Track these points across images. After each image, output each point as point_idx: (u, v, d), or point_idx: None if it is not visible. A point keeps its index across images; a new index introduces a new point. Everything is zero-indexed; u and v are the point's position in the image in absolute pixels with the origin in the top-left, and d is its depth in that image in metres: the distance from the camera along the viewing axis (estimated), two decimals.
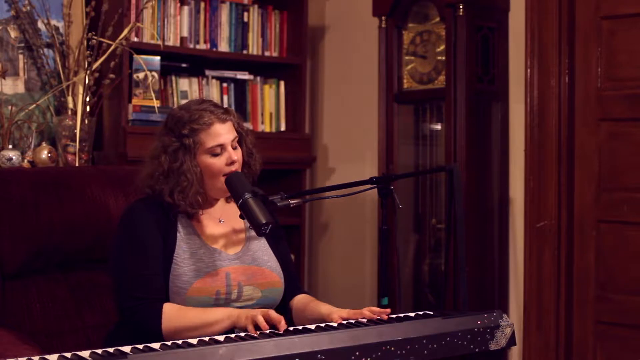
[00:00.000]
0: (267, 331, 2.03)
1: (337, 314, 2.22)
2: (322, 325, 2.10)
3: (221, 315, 2.18)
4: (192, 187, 2.30)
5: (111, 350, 1.81)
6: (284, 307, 2.44)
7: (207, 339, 1.94)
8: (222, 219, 2.42)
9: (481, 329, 2.10)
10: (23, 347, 2.28)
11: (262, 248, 2.43)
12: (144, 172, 2.38)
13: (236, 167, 2.34)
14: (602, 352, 3.48)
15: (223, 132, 2.33)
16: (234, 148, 2.36)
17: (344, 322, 2.14)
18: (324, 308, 2.30)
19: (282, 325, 2.05)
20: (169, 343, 1.88)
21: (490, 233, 3.64)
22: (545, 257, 3.54)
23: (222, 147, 2.33)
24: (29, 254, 2.61)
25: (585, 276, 3.52)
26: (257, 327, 2.07)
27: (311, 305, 2.37)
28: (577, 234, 3.54)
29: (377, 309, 2.19)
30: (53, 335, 2.60)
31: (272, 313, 2.08)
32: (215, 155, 2.32)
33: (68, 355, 1.79)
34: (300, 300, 2.45)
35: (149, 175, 2.35)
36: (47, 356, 1.77)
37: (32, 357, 1.76)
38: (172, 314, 2.21)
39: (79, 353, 1.79)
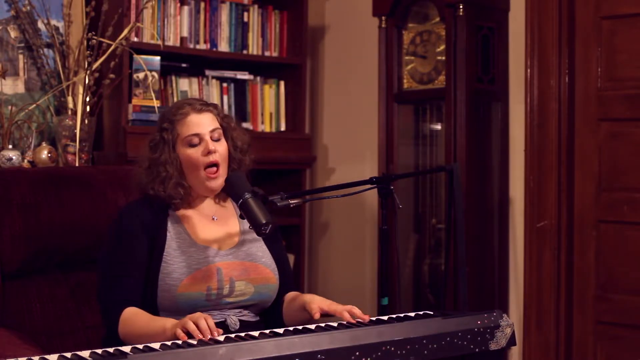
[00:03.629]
0: (207, 337, 1.94)
1: (317, 304, 2.22)
2: (322, 325, 2.09)
3: (159, 328, 2.09)
4: (172, 179, 2.33)
5: (111, 350, 1.81)
6: (278, 306, 2.44)
7: (207, 339, 1.94)
8: (215, 216, 2.42)
9: (481, 329, 2.10)
10: (23, 347, 2.28)
11: (256, 244, 2.43)
12: (135, 172, 2.42)
13: (215, 157, 2.33)
14: (602, 352, 3.48)
15: (200, 122, 2.35)
16: (216, 140, 2.36)
17: (344, 322, 2.13)
18: (307, 296, 2.31)
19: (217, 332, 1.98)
20: (169, 343, 1.88)
21: (490, 233, 3.64)
22: (545, 257, 3.54)
23: (199, 137, 2.34)
24: (29, 254, 2.61)
25: (585, 276, 3.52)
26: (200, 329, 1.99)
27: (297, 298, 2.39)
28: (577, 234, 3.54)
29: (359, 312, 2.16)
30: (53, 335, 2.60)
31: (210, 320, 1.99)
32: (193, 145, 2.34)
33: (68, 355, 1.78)
34: (290, 294, 2.47)
35: (138, 172, 2.39)
36: (47, 356, 1.77)
37: (32, 357, 1.76)
38: (127, 318, 2.20)
39: (79, 353, 1.79)
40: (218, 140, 2.36)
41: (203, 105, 2.38)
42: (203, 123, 2.35)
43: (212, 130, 2.35)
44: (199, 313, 2.03)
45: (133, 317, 2.20)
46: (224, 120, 2.42)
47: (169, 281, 2.27)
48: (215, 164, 2.34)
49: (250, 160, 2.47)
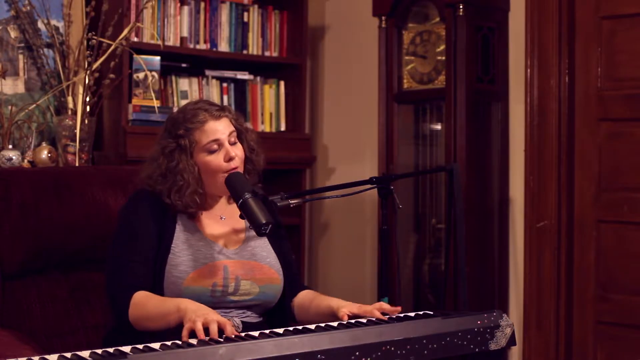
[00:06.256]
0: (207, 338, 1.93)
1: (346, 308, 2.21)
2: (322, 325, 2.10)
3: (173, 307, 2.09)
4: (189, 187, 2.31)
5: (111, 350, 1.81)
6: (282, 306, 2.44)
7: (207, 338, 1.94)
8: (223, 216, 2.42)
9: (481, 329, 2.10)
10: (23, 347, 2.28)
11: (261, 245, 2.43)
12: (143, 173, 2.39)
13: (236, 163, 2.33)
14: (602, 352, 3.48)
15: (218, 128, 2.33)
16: (233, 144, 2.35)
17: (344, 322, 2.13)
18: (334, 301, 2.28)
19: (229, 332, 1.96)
20: (169, 343, 1.88)
21: (490, 233, 3.64)
22: (545, 257, 3.54)
23: (218, 143, 2.33)
24: (29, 254, 2.61)
25: (585, 276, 3.52)
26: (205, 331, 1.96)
27: (317, 300, 2.37)
28: (577, 234, 3.54)
29: (389, 307, 2.18)
30: (53, 335, 2.60)
31: (229, 326, 1.96)
32: (213, 152, 2.33)
33: (68, 355, 1.78)
34: (304, 296, 2.45)
35: (148, 176, 2.37)
36: (47, 356, 1.77)
37: (32, 357, 1.76)
38: (138, 301, 2.18)
39: (79, 353, 1.79)
40: (235, 144, 2.36)
41: (219, 111, 2.36)
42: (221, 129, 2.34)
43: (229, 134, 2.35)
44: (212, 316, 1.98)
45: (144, 298, 2.19)
46: (237, 122, 2.41)
47: (175, 273, 2.26)
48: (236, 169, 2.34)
49: (263, 159, 2.48)
